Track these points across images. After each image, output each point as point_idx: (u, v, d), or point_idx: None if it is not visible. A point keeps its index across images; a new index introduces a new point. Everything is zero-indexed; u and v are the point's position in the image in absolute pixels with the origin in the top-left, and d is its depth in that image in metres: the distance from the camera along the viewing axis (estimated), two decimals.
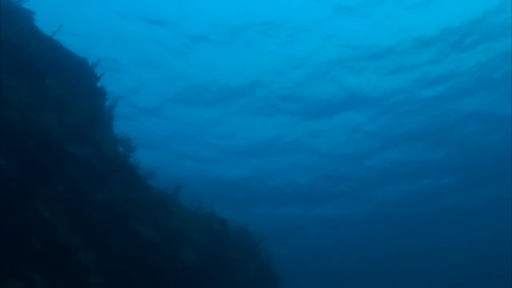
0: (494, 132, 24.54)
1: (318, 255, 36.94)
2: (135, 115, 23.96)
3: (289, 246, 34.21)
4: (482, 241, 34.66)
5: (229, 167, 27.80)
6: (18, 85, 8.84)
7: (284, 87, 22.88)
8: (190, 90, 23.12)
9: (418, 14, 19.49)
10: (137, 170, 10.58)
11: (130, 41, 20.78)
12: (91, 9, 19.77)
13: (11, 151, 7.50)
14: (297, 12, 19.97)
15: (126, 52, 21.27)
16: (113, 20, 20.12)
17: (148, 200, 9.81)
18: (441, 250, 36.72)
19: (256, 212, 29.97)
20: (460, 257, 37.45)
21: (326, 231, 33.53)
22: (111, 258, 8.21)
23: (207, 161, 27.30)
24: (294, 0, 19.72)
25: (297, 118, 24.39)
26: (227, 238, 11.75)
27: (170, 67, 22.05)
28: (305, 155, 26.82)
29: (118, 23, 20.21)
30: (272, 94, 23.04)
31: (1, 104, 7.84)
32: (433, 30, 19.89)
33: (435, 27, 19.71)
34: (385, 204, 30.96)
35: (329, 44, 20.87)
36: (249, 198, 29.78)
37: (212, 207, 12.20)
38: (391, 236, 34.72)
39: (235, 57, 21.71)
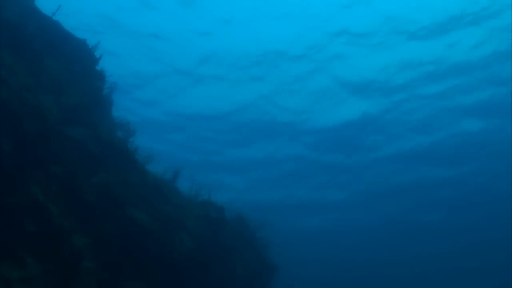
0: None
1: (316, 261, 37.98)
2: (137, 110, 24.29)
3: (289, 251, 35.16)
4: (481, 245, 35.00)
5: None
6: (16, 65, 8.69)
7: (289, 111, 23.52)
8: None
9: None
10: (135, 155, 10.46)
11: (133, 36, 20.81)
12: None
13: (6, 132, 7.38)
14: (300, 39, 20.23)
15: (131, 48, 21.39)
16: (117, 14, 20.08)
17: (144, 186, 9.70)
18: (440, 257, 37.09)
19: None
20: (460, 265, 37.95)
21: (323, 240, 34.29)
22: (105, 243, 8.12)
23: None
24: (295, 28, 20.01)
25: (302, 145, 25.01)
26: (224, 226, 11.65)
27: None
28: (304, 165, 27.22)
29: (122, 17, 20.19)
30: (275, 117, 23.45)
31: None
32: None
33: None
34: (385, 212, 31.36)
35: (330, 68, 21.27)
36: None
37: (210, 194, 12.10)
38: (390, 244, 35.23)
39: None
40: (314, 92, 22.93)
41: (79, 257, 6.95)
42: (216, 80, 22.73)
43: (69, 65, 10.23)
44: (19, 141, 7.49)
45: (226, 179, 28.56)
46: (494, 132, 24.31)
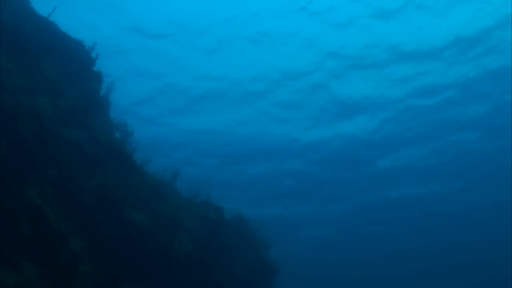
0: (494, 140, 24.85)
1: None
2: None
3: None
4: (482, 244, 35.16)
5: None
6: (11, 67, 8.62)
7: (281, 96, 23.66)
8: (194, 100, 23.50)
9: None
10: (133, 156, 10.38)
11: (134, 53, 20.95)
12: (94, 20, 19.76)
13: (1, 134, 7.31)
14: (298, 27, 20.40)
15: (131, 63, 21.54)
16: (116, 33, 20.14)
17: (143, 187, 9.63)
18: (440, 253, 37.27)
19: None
20: (460, 260, 38.15)
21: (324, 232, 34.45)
22: (103, 246, 8.05)
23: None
24: (294, 49, 20.37)
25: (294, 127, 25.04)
26: (223, 227, 11.59)
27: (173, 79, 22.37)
28: (302, 161, 27.34)
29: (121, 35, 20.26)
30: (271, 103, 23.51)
31: None
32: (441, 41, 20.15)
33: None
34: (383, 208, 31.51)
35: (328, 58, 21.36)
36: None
37: (209, 195, 12.02)
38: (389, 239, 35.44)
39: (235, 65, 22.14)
40: (312, 109, 23.12)
41: (76, 260, 6.88)
42: (217, 97, 22.91)
43: (65, 66, 10.16)
44: (15, 144, 7.42)
45: (225, 194, 28.62)
46: (491, 145, 24.52)
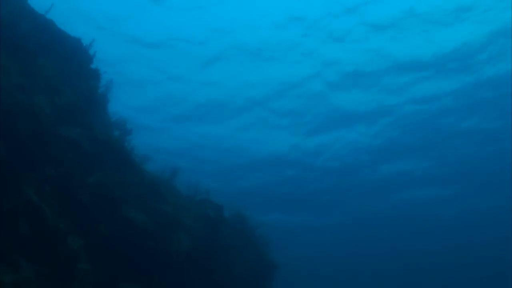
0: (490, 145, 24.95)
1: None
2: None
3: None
4: (480, 247, 35.35)
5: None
6: (9, 64, 8.56)
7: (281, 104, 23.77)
8: (194, 108, 23.58)
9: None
10: (132, 154, 10.33)
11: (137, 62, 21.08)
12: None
13: None
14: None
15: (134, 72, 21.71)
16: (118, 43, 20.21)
17: (142, 185, 9.58)
18: (440, 253, 37.47)
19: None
20: (458, 261, 38.38)
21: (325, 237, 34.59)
22: (101, 245, 8.00)
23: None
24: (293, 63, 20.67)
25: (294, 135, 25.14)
26: (223, 225, 11.54)
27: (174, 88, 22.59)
28: (303, 169, 27.46)
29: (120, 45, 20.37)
30: (270, 111, 23.61)
31: None
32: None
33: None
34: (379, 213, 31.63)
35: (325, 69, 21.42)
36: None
37: (208, 193, 11.97)
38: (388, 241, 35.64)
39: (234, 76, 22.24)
40: (311, 118, 23.34)
41: (75, 259, 6.84)
42: (216, 106, 23.08)
43: (63, 64, 10.10)
44: (12, 142, 7.36)
45: (224, 200, 28.70)
46: (491, 150, 24.57)
